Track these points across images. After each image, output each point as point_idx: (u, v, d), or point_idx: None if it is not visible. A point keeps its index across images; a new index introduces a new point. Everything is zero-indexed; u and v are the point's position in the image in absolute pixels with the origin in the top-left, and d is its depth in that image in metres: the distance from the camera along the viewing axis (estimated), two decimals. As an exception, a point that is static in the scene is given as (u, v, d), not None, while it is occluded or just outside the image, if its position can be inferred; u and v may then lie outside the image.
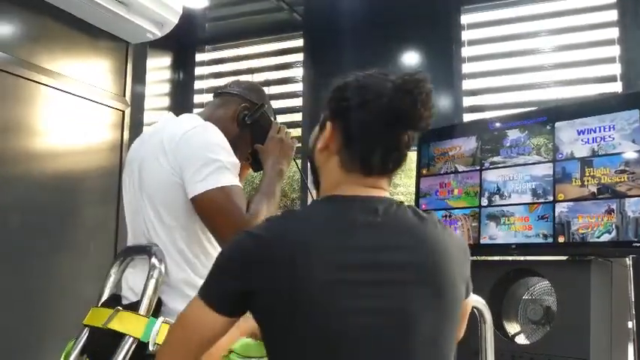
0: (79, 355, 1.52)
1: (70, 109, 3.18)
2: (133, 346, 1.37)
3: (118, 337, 1.40)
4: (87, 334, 1.53)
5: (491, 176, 2.79)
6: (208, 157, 1.49)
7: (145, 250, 1.52)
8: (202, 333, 1.06)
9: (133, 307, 1.46)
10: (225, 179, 1.48)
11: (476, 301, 1.58)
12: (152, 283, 1.44)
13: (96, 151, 3.36)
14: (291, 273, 0.97)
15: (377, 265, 0.99)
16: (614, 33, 3.31)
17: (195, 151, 1.50)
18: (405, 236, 1.04)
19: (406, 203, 1.11)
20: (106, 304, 1.57)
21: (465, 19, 3.72)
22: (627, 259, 2.51)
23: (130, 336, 1.38)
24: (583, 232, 2.41)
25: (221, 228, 1.48)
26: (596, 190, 2.42)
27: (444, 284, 1.02)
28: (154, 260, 1.46)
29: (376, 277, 0.98)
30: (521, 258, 2.63)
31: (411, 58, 3.85)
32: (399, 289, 0.99)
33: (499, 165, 2.77)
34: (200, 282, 1.38)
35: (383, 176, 1.11)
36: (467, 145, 2.93)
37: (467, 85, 3.62)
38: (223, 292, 1.05)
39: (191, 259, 1.53)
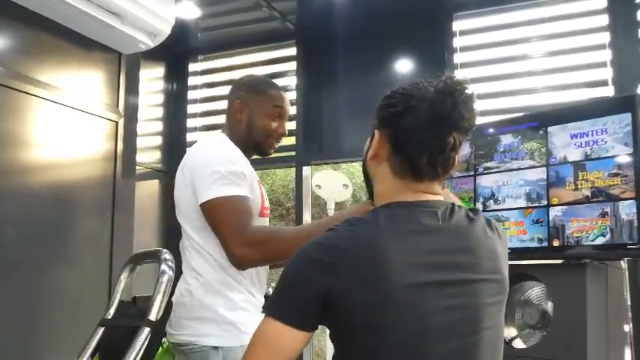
0: (90, 356, 1.57)
1: (64, 121, 3.18)
2: (149, 337, 1.44)
3: (132, 330, 1.46)
4: (100, 333, 1.61)
5: (486, 181, 2.80)
6: (208, 169, 1.62)
7: (154, 256, 1.59)
8: (288, 353, 1.05)
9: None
10: (223, 190, 1.58)
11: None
12: (162, 288, 1.50)
13: (90, 162, 3.36)
14: (370, 278, 1.01)
15: (446, 266, 1.06)
16: (605, 38, 3.34)
17: (198, 166, 1.65)
18: (464, 239, 1.11)
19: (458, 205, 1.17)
20: (116, 312, 1.65)
21: (457, 25, 3.75)
22: (622, 261, 2.52)
23: (145, 327, 1.45)
24: (577, 235, 2.42)
25: (222, 239, 1.57)
26: (589, 194, 2.43)
27: (500, 279, 1.13)
28: (163, 266, 1.52)
29: (447, 277, 1.05)
30: (517, 262, 2.63)
31: (403, 65, 3.86)
32: (468, 287, 1.07)
33: (493, 170, 2.78)
34: (232, 281, 1.59)
35: (434, 181, 1.15)
36: (460, 150, 2.93)
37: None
38: (301, 308, 1.04)
39: (221, 261, 1.63)
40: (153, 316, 1.48)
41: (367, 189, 1.25)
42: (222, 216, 1.57)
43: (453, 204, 1.16)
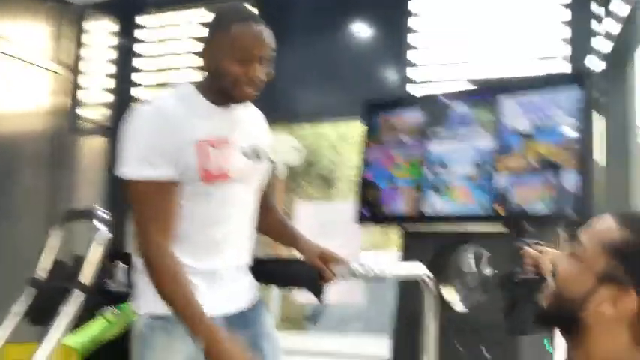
0: (20, 317, 1.50)
1: (3, 71, 3.04)
2: (81, 298, 1.37)
3: (64, 292, 1.39)
4: (31, 294, 1.52)
5: (436, 148, 2.81)
6: (126, 138, 1.48)
7: (88, 214, 1.50)
8: None
9: None
10: (128, 170, 1.45)
11: (419, 270, 1.60)
12: (95, 247, 1.42)
13: (31, 115, 3.23)
14: None
15: None
16: (559, 12, 3.37)
17: (125, 130, 1.50)
18: None
19: None
20: (49, 272, 1.56)
21: (414, -9, 3.71)
22: (563, 230, 2.59)
23: (77, 289, 1.38)
24: (521, 203, 2.47)
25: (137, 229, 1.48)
26: (535, 164, 2.48)
27: None
28: (97, 225, 1.44)
29: None
30: (461, 228, 2.68)
31: (359, 29, 3.82)
32: None
33: (443, 137, 2.80)
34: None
35: None
36: (412, 117, 2.94)
37: (413, 57, 3.62)
38: None
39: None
40: (85, 278, 1.40)
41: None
42: (133, 205, 1.46)
43: None
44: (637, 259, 0.90)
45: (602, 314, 0.90)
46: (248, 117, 1.66)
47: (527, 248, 1.18)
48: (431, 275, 1.59)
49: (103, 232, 1.42)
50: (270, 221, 1.77)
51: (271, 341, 1.65)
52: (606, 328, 0.91)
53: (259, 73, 1.51)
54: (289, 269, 1.70)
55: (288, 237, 1.76)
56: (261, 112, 1.75)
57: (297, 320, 8.24)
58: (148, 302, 1.51)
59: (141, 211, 1.46)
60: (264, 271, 1.64)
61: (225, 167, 1.52)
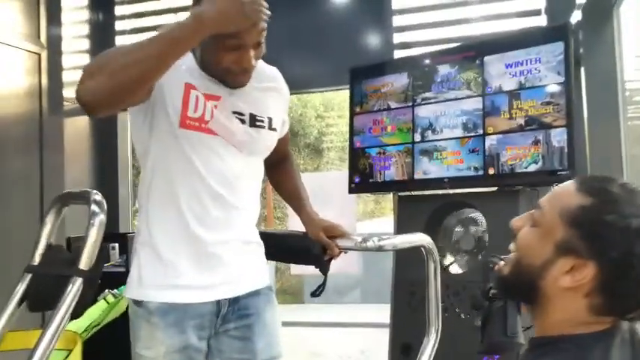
0: (17, 304, 1.47)
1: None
2: (81, 287, 1.34)
3: (62, 277, 1.36)
4: (27, 280, 1.48)
5: (424, 112, 2.81)
6: None
7: (83, 197, 1.46)
8: None
9: None
10: None
11: (422, 240, 1.60)
12: (93, 232, 1.37)
13: (11, 98, 3.16)
14: None
15: None
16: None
17: None
18: None
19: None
20: (45, 257, 1.51)
21: (395, -48, 3.66)
22: (553, 187, 2.61)
23: (77, 277, 1.34)
24: (512, 163, 2.49)
25: None
26: (523, 122, 2.48)
27: None
28: (94, 208, 1.40)
29: None
30: (454, 191, 2.69)
31: (341, -5, 3.76)
32: None
33: (431, 100, 2.79)
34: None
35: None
36: (398, 81, 2.92)
37: (397, 21, 3.59)
38: None
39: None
40: (84, 264, 1.36)
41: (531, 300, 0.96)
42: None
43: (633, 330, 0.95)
44: (594, 227, 0.87)
45: (560, 284, 0.89)
46: (256, 88, 1.50)
47: (499, 263, 1.20)
48: (431, 241, 1.59)
49: (100, 216, 1.38)
50: (282, 180, 1.74)
51: (267, 338, 1.50)
52: (563, 297, 0.90)
53: (253, 60, 1.37)
54: (293, 244, 1.67)
55: (295, 204, 1.69)
56: (279, 75, 1.64)
57: (293, 292, 8.30)
58: (129, 285, 1.46)
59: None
60: (267, 246, 1.59)
61: (207, 117, 1.40)
